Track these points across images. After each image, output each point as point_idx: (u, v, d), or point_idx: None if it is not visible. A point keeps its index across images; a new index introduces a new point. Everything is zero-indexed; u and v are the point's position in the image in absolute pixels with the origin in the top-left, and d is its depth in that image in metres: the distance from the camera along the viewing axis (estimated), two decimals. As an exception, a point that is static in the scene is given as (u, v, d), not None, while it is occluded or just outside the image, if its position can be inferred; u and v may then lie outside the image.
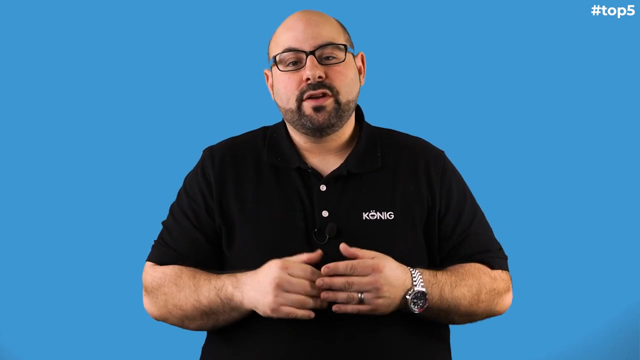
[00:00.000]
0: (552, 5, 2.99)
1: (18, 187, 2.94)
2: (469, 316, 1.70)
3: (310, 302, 1.54)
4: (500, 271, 1.75)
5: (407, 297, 1.57)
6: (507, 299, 1.76)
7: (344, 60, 1.69)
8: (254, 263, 1.59)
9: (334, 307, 1.55)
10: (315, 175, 1.70)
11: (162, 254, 1.72)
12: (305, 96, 1.67)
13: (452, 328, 1.78)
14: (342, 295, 1.54)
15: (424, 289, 1.58)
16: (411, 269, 1.59)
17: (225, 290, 1.59)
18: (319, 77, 1.66)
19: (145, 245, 1.78)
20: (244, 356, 1.63)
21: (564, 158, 2.99)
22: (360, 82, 1.76)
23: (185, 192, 1.76)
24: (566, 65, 3.00)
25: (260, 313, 1.56)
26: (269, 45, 1.76)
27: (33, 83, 2.96)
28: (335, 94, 1.67)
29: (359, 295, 1.53)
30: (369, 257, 1.56)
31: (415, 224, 1.70)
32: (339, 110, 1.68)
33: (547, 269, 2.94)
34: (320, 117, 1.67)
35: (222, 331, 1.68)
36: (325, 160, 1.74)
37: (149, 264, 1.73)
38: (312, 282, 1.54)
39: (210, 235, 1.70)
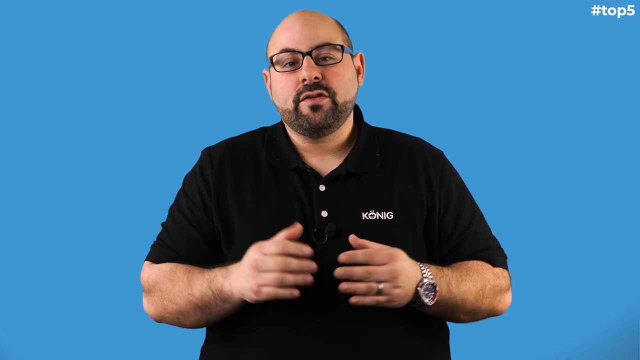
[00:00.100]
0: (552, 5, 2.99)
1: (18, 188, 2.94)
2: (474, 313, 1.69)
3: (289, 278, 1.47)
4: (501, 269, 1.75)
5: (419, 289, 1.55)
6: (508, 298, 1.76)
7: (340, 61, 1.69)
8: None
9: (353, 299, 1.50)
10: (314, 176, 1.70)
11: (160, 254, 1.72)
12: (302, 97, 1.67)
13: (452, 328, 1.78)
14: (361, 287, 1.49)
15: (434, 281, 1.56)
16: (419, 263, 1.58)
17: (216, 281, 1.58)
18: (315, 77, 1.66)
19: (144, 245, 1.78)
20: (243, 356, 1.63)
21: (563, 158, 2.99)
22: (358, 82, 1.76)
23: (184, 192, 1.76)
24: (566, 65, 3.00)
25: (248, 300, 1.53)
26: (267, 46, 1.76)
27: (33, 83, 2.96)
28: (332, 94, 1.67)
29: (378, 286, 1.49)
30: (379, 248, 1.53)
31: (414, 223, 1.70)
32: (336, 110, 1.68)
33: (547, 269, 2.94)
34: (317, 117, 1.67)
35: (221, 331, 1.69)
36: (324, 160, 1.74)
37: (146, 263, 1.73)
38: (290, 256, 1.48)
39: (209, 235, 1.70)
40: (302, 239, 1.64)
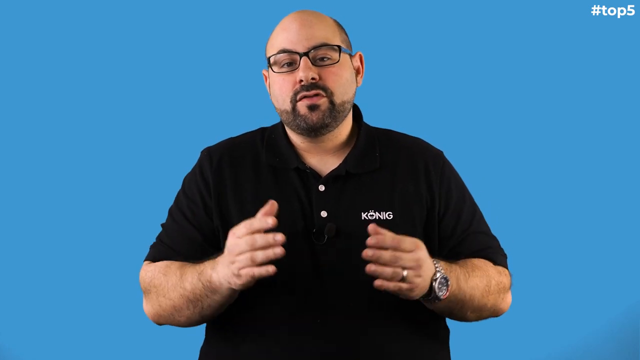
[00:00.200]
0: (552, 5, 2.99)
1: (18, 189, 2.95)
2: (480, 310, 1.68)
3: (258, 255, 1.45)
4: (502, 267, 1.75)
5: (433, 282, 1.54)
6: (509, 297, 1.76)
7: (338, 61, 1.69)
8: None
9: (377, 283, 1.48)
10: (313, 176, 1.70)
11: (159, 252, 1.72)
12: (299, 97, 1.67)
13: (452, 328, 1.78)
14: (388, 271, 1.46)
15: (446, 275, 1.56)
16: (432, 257, 1.56)
17: (205, 273, 1.57)
18: (312, 78, 1.66)
19: (144, 245, 1.78)
20: (243, 356, 1.63)
21: (563, 158, 2.99)
22: (357, 82, 1.76)
23: (183, 193, 1.76)
24: (566, 65, 3.00)
25: (234, 287, 1.52)
26: (266, 46, 1.76)
27: (32, 83, 2.97)
28: (329, 94, 1.67)
29: (402, 273, 1.48)
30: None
31: (414, 224, 1.70)
32: (334, 110, 1.68)
33: (547, 269, 2.94)
34: (314, 117, 1.67)
35: (220, 331, 1.69)
36: (324, 160, 1.73)
37: (145, 263, 1.73)
38: (259, 232, 1.46)
39: (208, 235, 1.70)
40: (302, 239, 1.65)
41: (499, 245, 1.80)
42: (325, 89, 1.67)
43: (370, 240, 1.46)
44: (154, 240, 1.76)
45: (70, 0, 2.97)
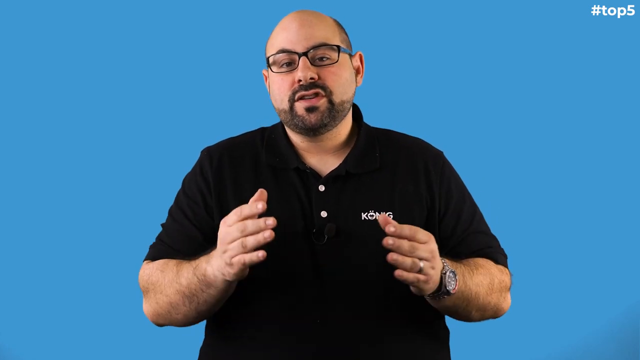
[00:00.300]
0: (552, 5, 2.99)
1: (18, 188, 2.95)
2: (483, 308, 1.68)
3: (249, 240, 1.44)
4: (503, 267, 1.75)
5: (443, 275, 1.54)
6: (509, 297, 1.77)
7: (337, 61, 1.69)
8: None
9: (397, 273, 1.47)
10: (313, 176, 1.70)
11: (158, 251, 1.72)
12: (297, 97, 1.67)
13: (452, 329, 1.78)
14: (408, 261, 1.46)
15: (454, 269, 1.56)
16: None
17: (200, 267, 1.57)
18: (311, 78, 1.66)
19: (144, 245, 1.78)
20: (243, 357, 1.63)
21: (563, 158, 2.99)
22: (357, 82, 1.76)
23: (184, 192, 1.76)
24: (566, 65, 3.00)
25: (228, 278, 1.51)
26: (266, 46, 1.76)
27: (32, 83, 2.97)
28: (328, 94, 1.67)
29: (419, 264, 1.47)
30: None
31: (414, 224, 1.69)
32: (333, 110, 1.68)
33: (547, 269, 2.94)
34: (312, 118, 1.67)
35: (220, 331, 1.69)
36: (324, 160, 1.73)
37: (145, 262, 1.73)
38: (248, 218, 1.46)
39: (209, 234, 1.69)
40: (302, 239, 1.65)
41: (499, 245, 1.80)
42: (324, 88, 1.67)
43: (389, 229, 1.45)
44: (154, 241, 1.76)
45: (70, 1, 2.97)
